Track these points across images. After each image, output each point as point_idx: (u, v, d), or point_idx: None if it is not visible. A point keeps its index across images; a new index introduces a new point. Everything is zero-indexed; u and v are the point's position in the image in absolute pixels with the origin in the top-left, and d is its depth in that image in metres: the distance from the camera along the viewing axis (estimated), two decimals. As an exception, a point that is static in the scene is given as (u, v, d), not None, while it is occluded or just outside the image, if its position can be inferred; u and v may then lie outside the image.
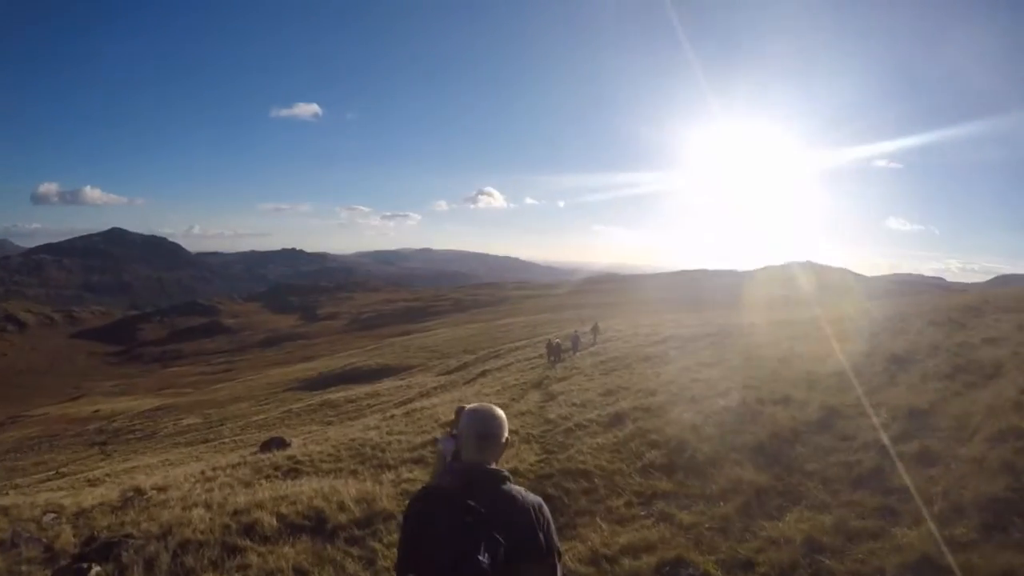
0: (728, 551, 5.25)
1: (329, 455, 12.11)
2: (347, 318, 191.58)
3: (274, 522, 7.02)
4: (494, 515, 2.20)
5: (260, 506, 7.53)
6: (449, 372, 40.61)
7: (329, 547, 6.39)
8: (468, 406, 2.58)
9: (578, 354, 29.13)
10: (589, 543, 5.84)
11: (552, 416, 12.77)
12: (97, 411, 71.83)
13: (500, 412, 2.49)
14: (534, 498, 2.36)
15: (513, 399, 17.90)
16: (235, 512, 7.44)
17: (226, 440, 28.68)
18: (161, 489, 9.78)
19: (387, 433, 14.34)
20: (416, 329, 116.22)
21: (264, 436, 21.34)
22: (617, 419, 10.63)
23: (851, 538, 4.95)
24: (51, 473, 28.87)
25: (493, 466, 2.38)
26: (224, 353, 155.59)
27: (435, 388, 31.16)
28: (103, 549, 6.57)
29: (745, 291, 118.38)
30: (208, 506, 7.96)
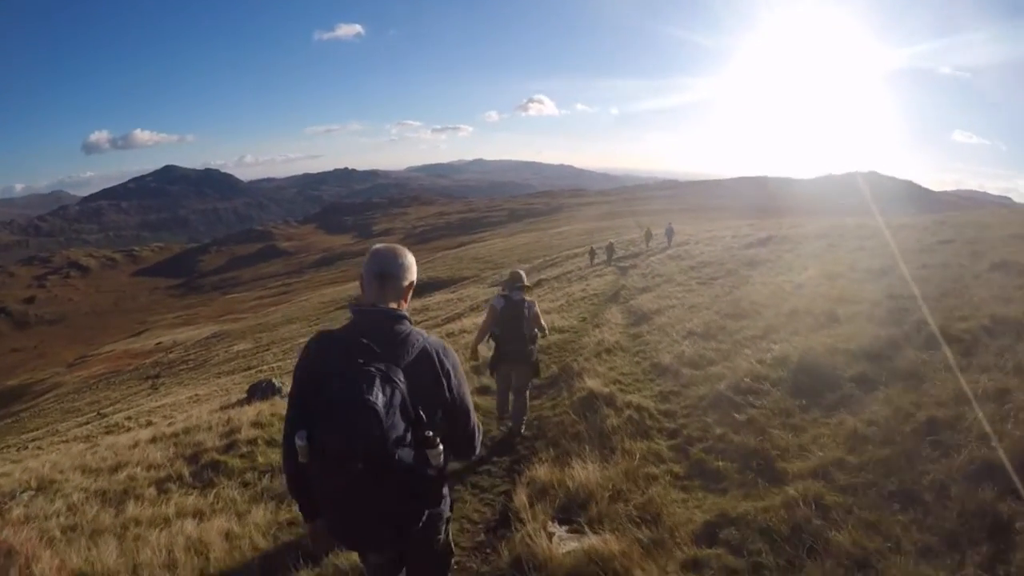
0: None
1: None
2: (401, 233, 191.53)
3: None
4: (391, 356, 2.02)
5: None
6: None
7: None
8: (373, 247, 2.33)
9: (654, 258, 26.23)
10: None
11: (666, 360, 7.45)
12: (159, 343, 72.48)
13: (406, 254, 2.27)
14: (435, 340, 2.15)
15: (583, 319, 13.18)
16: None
17: (264, 368, 26.76)
18: (36, 491, 6.51)
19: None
20: (470, 240, 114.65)
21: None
22: (811, 376, 5.39)
23: None
24: (92, 415, 27.39)
25: (392, 306, 2.17)
26: (281, 276, 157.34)
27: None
28: None
29: (810, 199, 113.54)
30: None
